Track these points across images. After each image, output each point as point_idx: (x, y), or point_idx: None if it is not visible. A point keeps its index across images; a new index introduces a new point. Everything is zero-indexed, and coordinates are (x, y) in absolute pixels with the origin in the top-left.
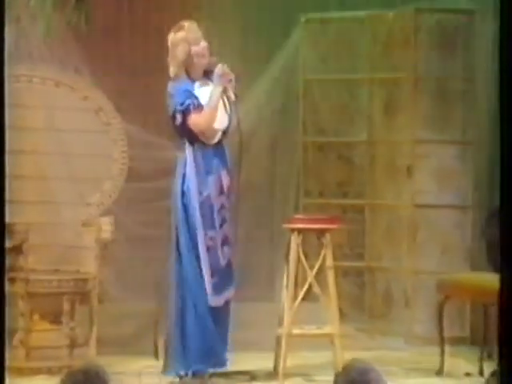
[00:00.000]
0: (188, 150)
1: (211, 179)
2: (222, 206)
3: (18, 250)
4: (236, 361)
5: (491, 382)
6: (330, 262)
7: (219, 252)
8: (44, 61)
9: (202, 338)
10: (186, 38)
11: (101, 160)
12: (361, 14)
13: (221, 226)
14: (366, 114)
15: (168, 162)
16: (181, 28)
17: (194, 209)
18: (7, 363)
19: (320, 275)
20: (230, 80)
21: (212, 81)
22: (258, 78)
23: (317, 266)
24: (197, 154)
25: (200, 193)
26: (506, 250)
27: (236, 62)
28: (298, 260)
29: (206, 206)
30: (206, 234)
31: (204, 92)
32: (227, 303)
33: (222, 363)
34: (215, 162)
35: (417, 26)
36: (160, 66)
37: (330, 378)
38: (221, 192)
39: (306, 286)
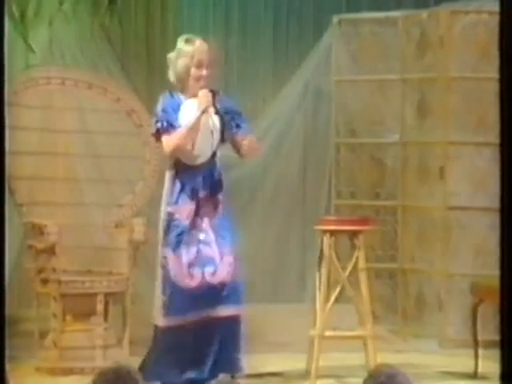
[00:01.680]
0: (169, 163)
1: (188, 202)
2: (196, 227)
3: (50, 251)
4: (269, 362)
5: None
6: (362, 263)
7: (183, 271)
8: (77, 63)
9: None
10: (191, 56)
11: (133, 161)
12: (394, 14)
13: (192, 245)
14: (398, 116)
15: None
16: (191, 42)
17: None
18: (39, 364)
19: (352, 277)
20: (209, 102)
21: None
22: (291, 80)
23: (349, 268)
24: (177, 170)
25: (165, 208)
26: (506, 250)
27: (268, 63)
28: (330, 262)
29: (168, 223)
30: (161, 251)
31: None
32: (206, 323)
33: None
34: (197, 182)
35: (450, 26)
36: None
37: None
38: (196, 213)
39: (338, 288)
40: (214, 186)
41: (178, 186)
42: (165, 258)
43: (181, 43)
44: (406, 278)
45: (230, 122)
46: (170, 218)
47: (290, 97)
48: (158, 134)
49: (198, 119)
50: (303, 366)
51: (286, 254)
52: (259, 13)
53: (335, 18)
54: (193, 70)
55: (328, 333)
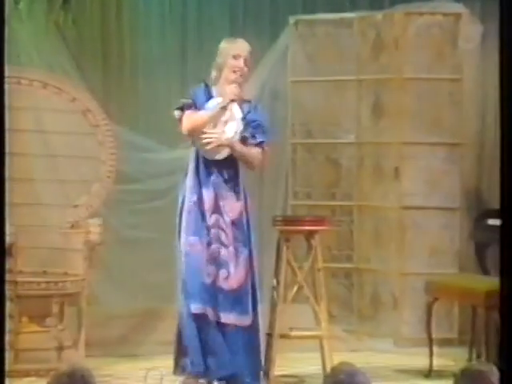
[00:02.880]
0: (191, 155)
1: (205, 192)
2: (217, 226)
3: (6, 252)
4: None
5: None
6: (319, 263)
7: (204, 266)
8: (32, 62)
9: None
10: (229, 48)
11: (89, 162)
12: (349, 15)
13: (209, 243)
14: (354, 116)
15: (156, 163)
16: (233, 40)
17: (184, 211)
18: None
19: (309, 277)
20: (235, 96)
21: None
22: (247, 81)
23: (306, 268)
24: (197, 162)
25: (189, 198)
26: (506, 251)
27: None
28: (287, 262)
29: (192, 214)
30: (186, 239)
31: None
32: (223, 325)
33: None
34: (215, 178)
35: (405, 27)
36: (148, 67)
37: (319, 379)
38: (216, 211)
39: (295, 288)
40: (234, 187)
41: (198, 175)
42: (191, 245)
43: (224, 42)
44: (361, 277)
45: (248, 130)
46: (191, 207)
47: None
48: (181, 112)
49: (219, 110)
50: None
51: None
52: (215, 13)
53: (291, 19)
54: (231, 61)
55: (285, 333)
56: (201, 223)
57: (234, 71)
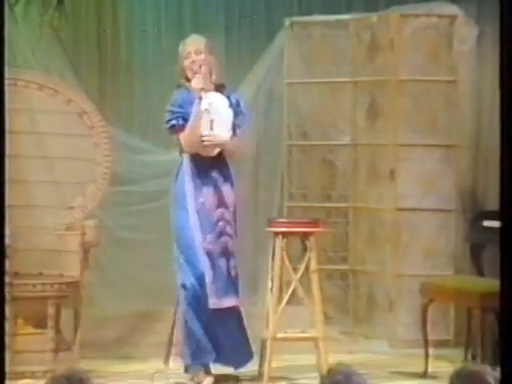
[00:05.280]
0: (185, 157)
1: (207, 190)
2: (222, 219)
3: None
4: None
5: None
6: (314, 265)
7: (218, 260)
8: (28, 64)
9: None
10: (181, 52)
11: (84, 163)
12: (345, 17)
13: (219, 237)
14: (349, 118)
15: (152, 165)
16: (182, 43)
17: (192, 213)
18: None
19: (304, 278)
20: (202, 90)
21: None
22: (243, 82)
23: (301, 270)
24: (194, 163)
25: (196, 199)
26: (505, 252)
27: (220, 65)
28: (282, 263)
29: (202, 213)
30: (204, 238)
31: (206, 102)
32: (227, 311)
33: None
34: (213, 174)
35: (400, 29)
36: (143, 69)
37: (315, 381)
38: (220, 205)
39: (290, 290)
40: (229, 179)
41: (197, 175)
42: (210, 243)
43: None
44: (356, 279)
45: (237, 118)
46: (200, 207)
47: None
48: (172, 130)
49: (199, 113)
50: (256, 368)
51: (238, 256)
52: (211, 15)
53: (287, 21)
54: (186, 62)
55: (280, 334)
56: (211, 220)
57: (192, 68)
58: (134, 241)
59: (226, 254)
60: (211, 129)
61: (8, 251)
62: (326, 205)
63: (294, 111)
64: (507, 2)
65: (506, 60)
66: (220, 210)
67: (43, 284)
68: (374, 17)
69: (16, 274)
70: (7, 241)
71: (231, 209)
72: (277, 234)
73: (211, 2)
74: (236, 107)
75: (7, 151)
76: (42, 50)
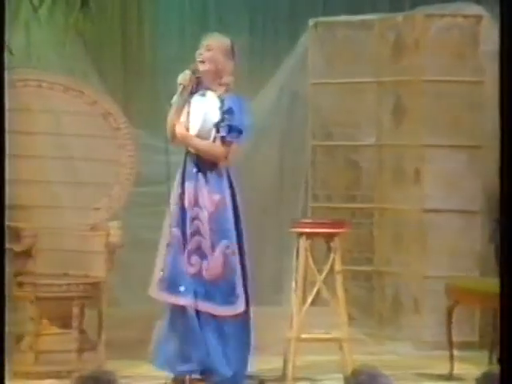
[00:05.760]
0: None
1: (188, 185)
2: (197, 218)
3: (26, 254)
4: None
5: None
6: (338, 266)
7: (183, 256)
8: (53, 66)
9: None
10: (200, 49)
11: (109, 165)
12: (369, 17)
13: (192, 235)
14: (374, 118)
15: (176, 166)
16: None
17: (171, 204)
18: (15, 368)
19: (328, 279)
20: (185, 81)
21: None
22: (266, 83)
23: (325, 271)
24: (185, 156)
25: (176, 191)
26: (506, 253)
27: (244, 66)
28: (307, 264)
29: (177, 204)
30: (170, 229)
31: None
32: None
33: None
34: (194, 170)
35: (425, 29)
36: (168, 70)
37: (338, 382)
38: (195, 204)
39: (314, 291)
40: (209, 176)
41: (182, 169)
42: (174, 236)
43: None
44: (381, 280)
45: (223, 121)
46: (177, 198)
47: (266, 100)
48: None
49: (177, 101)
50: (280, 368)
51: (262, 257)
52: (235, 16)
53: (311, 22)
54: (196, 53)
55: (304, 335)
56: (184, 215)
57: (200, 61)
58: (157, 242)
59: (198, 253)
60: (187, 120)
61: (32, 251)
62: (351, 205)
63: (318, 112)
64: (507, 1)
65: (506, 60)
66: (196, 208)
67: (68, 284)
68: (398, 17)
69: (41, 275)
70: (31, 241)
71: (208, 211)
72: (301, 234)
73: (235, 2)
74: (226, 113)
75: (32, 152)
76: (66, 51)
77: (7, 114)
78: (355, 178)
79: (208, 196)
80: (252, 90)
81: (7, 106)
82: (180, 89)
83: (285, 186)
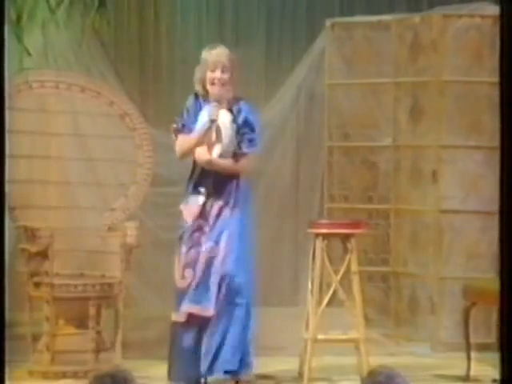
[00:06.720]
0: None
1: (195, 199)
2: (199, 230)
3: (42, 254)
4: (261, 365)
5: None
6: (354, 267)
7: (179, 270)
8: (70, 67)
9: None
10: (205, 60)
11: (126, 165)
12: (387, 18)
13: (190, 247)
14: (391, 119)
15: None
16: (209, 49)
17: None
18: (32, 367)
19: (345, 280)
20: (216, 117)
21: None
22: (283, 83)
23: (342, 271)
24: (193, 170)
25: (181, 206)
26: (506, 253)
27: (261, 67)
28: (323, 265)
29: (180, 221)
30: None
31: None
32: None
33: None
34: (207, 185)
35: (443, 30)
36: (184, 70)
37: (355, 383)
38: (200, 216)
39: (330, 291)
40: (224, 189)
41: (191, 186)
42: (178, 254)
43: (203, 52)
44: (398, 281)
45: (242, 135)
46: (180, 216)
47: (283, 100)
48: (175, 133)
49: (205, 131)
50: (296, 368)
51: (279, 258)
52: (252, 16)
53: (328, 22)
54: (208, 74)
55: (320, 336)
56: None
57: (213, 83)
58: (174, 242)
59: (190, 266)
60: (218, 140)
61: (49, 251)
62: (368, 206)
63: (335, 112)
64: (507, 1)
65: (506, 60)
66: (198, 220)
67: (84, 285)
68: (416, 17)
69: (57, 275)
70: (47, 241)
71: (213, 225)
72: (317, 235)
73: (252, 3)
74: (242, 126)
75: (50, 153)
76: (83, 52)
77: (19, 115)
78: (372, 178)
79: (220, 208)
80: (269, 90)
81: (7, 105)
82: (209, 124)
83: (301, 186)
